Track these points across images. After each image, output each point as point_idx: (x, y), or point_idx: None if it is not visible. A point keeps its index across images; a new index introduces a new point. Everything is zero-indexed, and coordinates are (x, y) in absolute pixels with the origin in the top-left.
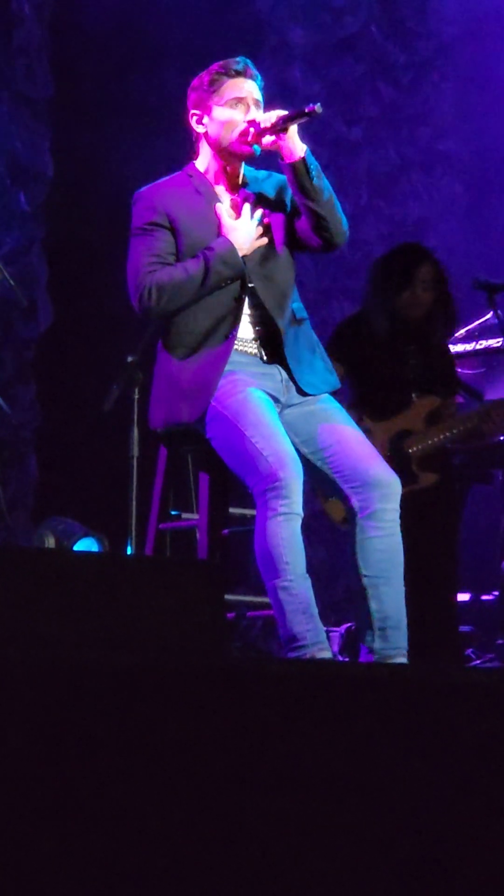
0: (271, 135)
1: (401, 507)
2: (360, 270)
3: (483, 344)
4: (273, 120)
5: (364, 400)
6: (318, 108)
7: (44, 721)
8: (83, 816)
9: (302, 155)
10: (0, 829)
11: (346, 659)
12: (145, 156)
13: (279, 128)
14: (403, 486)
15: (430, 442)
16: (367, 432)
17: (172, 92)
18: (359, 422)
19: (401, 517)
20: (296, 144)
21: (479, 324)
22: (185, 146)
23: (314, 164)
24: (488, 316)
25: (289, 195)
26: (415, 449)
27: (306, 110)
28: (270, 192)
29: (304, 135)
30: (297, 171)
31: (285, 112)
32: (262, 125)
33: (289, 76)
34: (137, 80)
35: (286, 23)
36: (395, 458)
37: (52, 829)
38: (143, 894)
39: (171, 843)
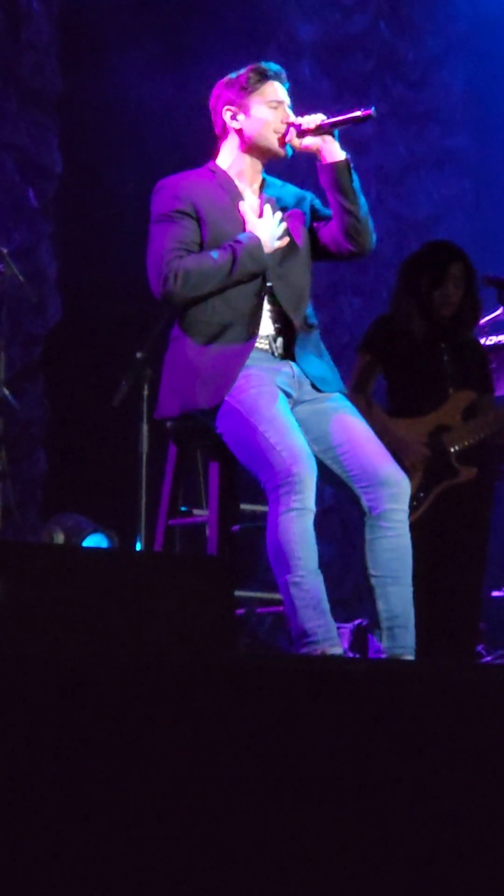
0: (315, 136)
1: (438, 501)
2: (369, 266)
3: (493, 340)
4: (317, 122)
5: (402, 397)
6: (373, 111)
7: (52, 716)
8: (89, 813)
9: (345, 156)
10: (6, 825)
11: (357, 655)
12: (153, 152)
13: (325, 130)
14: (443, 480)
15: (470, 441)
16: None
17: (181, 88)
18: (385, 423)
19: (436, 511)
20: (338, 147)
21: (489, 320)
22: (188, 143)
23: (354, 171)
24: (498, 312)
25: (307, 206)
26: (456, 448)
27: (361, 114)
28: (289, 200)
29: None
30: (340, 172)
31: (324, 116)
32: (304, 126)
33: (298, 73)
34: (146, 76)
35: (295, 19)
36: (435, 452)
37: (57, 825)
38: (150, 891)
39: (179, 840)
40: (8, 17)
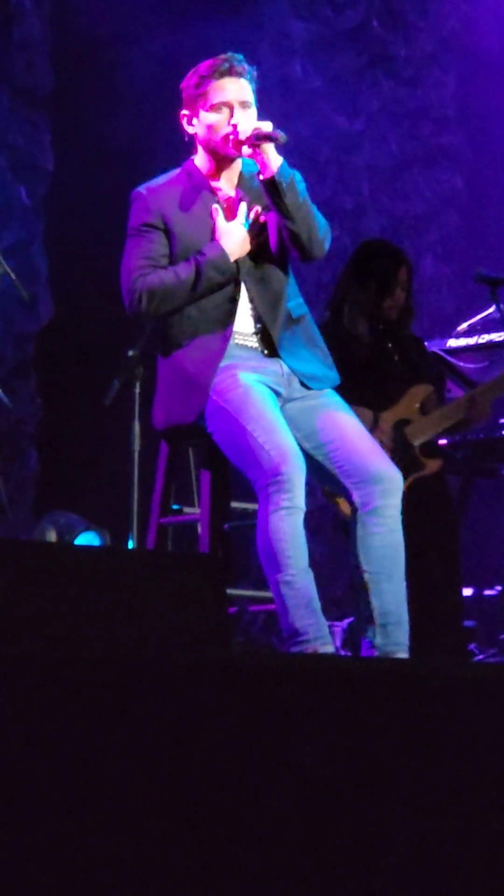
0: (247, 146)
1: (405, 498)
2: None
3: (486, 338)
4: (248, 133)
5: (358, 398)
6: (281, 136)
7: (44, 716)
8: (84, 811)
9: (273, 172)
10: (2, 824)
11: (348, 653)
12: (145, 149)
13: (252, 143)
14: (410, 474)
15: (433, 432)
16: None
17: (174, 86)
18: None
19: (402, 511)
20: (270, 160)
21: (482, 318)
22: (181, 142)
23: (286, 181)
24: (491, 310)
25: None
26: (419, 441)
27: (272, 135)
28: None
29: (306, 127)
30: (268, 189)
31: (267, 126)
32: (240, 136)
33: (289, 70)
34: (138, 73)
35: (287, 16)
36: (399, 447)
37: (51, 824)
38: (144, 890)
39: (172, 839)
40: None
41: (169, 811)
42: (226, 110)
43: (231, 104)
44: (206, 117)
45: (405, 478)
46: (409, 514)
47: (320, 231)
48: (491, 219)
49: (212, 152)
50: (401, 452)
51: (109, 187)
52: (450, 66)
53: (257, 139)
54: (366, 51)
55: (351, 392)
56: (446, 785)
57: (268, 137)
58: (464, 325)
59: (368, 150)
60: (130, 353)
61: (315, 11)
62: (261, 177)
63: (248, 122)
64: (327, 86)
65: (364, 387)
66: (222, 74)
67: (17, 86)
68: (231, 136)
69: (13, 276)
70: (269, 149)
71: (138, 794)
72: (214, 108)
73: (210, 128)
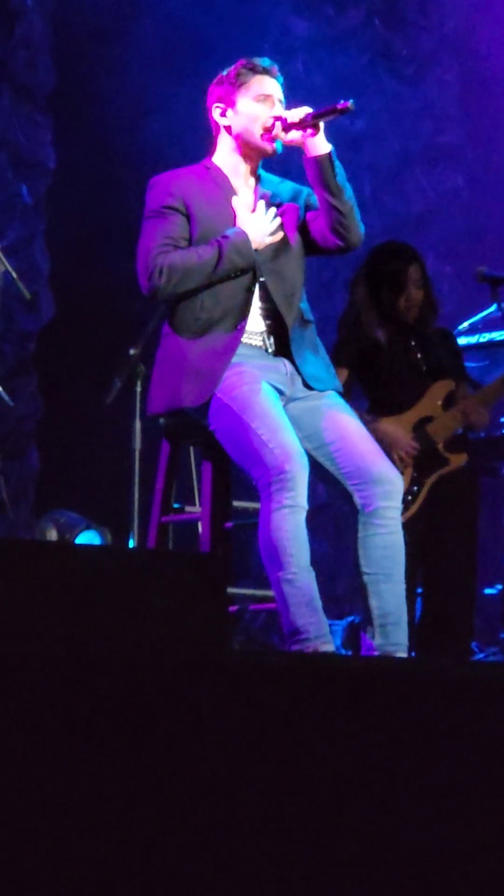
0: (299, 130)
1: (430, 495)
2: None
3: (487, 337)
4: (301, 115)
5: (381, 398)
6: (350, 104)
7: (45, 715)
8: (85, 810)
9: (329, 150)
10: (3, 822)
11: (349, 652)
12: (147, 147)
13: (308, 123)
14: (435, 471)
15: (455, 428)
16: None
17: (176, 84)
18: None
19: (429, 505)
20: (322, 140)
21: (483, 317)
22: (186, 138)
23: (338, 163)
24: (492, 308)
25: (303, 201)
26: (442, 437)
27: (339, 107)
28: (285, 195)
29: None
30: (322, 166)
31: (310, 109)
32: (290, 120)
33: (291, 68)
34: (140, 72)
35: (289, 14)
36: (422, 444)
37: (53, 823)
38: (145, 888)
39: (172, 838)
40: (1, 12)
41: (169, 809)
42: (267, 104)
43: (273, 98)
44: (248, 107)
45: (429, 475)
46: (435, 507)
47: (360, 220)
48: (492, 218)
49: (243, 145)
50: (424, 449)
51: (111, 185)
52: (451, 65)
53: (320, 116)
54: (367, 49)
55: (376, 395)
56: (447, 783)
57: (335, 110)
58: (465, 324)
59: (370, 148)
60: (131, 351)
61: (317, 10)
62: (310, 155)
63: (293, 111)
64: (329, 84)
65: (388, 389)
66: (265, 71)
67: (19, 83)
68: (279, 124)
69: (14, 274)
70: (322, 130)
71: (140, 791)
72: (257, 99)
73: (251, 118)
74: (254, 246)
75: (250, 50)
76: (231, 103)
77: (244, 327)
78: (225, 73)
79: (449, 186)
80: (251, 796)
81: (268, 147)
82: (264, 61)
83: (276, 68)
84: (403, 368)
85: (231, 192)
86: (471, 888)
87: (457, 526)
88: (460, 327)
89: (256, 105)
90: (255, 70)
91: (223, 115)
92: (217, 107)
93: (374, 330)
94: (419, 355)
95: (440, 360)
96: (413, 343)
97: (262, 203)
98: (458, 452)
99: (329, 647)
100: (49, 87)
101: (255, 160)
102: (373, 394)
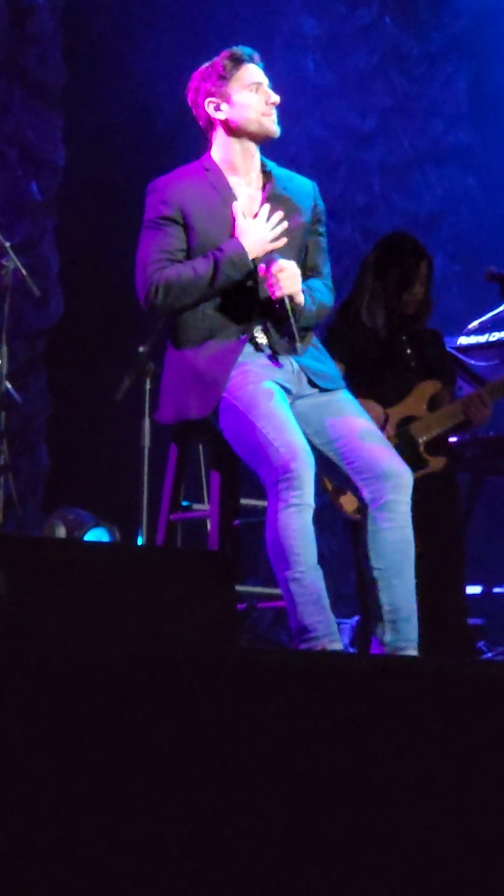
0: (270, 293)
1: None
2: None
3: (496, 336)
4: (278, 294)
5: (366, 391)
6: (299, 307)
7: (53, 710)
8: (90, 807)
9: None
10: (5, 819)
11: (357, 651)
12: (157, 145)
13: (275, 302)
14: (413, 471)
15: (438, 430)
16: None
17: (186, 81)
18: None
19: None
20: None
21: (492, 316)
22: (193, 136)
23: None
24: (501, 308)
25: (311, 206)
26: (424, 438)
27: (298, 307)
28: (294, 197)
29: (318, 124)
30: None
31: (297, 294)
32: (271, 288)
33: (302, 67)
34: (150, 70)
35: (300, 13)
36: (403, 443)
37: (57, 819)
38: (147, 886)
39: (178, 832)
40: (12, 10)
41: (177, 805)
42: (261, 91)
43: (264, 86)
44: (244, 97)
45: None
46: (413, 512)
47: (326, 307)
48: (501, 216)
49: (242, 134)
50: (404, 449)
51: (120, 183)
52: (461, 64)
53: (287, 301)
54: (378, 48)
55: (361, 385)
56: (454, 782)
57: (294, 308)
58: (474, 323)
59: (380, 147)
60: (141, 349)
61: (328, 9)
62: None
63: (295, 284)
64: (340, 83)
65: (374, 380)
66: (250, 59)
67: (29, 81)
68: (268, 287)
69: (24, 271)
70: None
71: (147, 788)
72: (250, 87)
73: (248, 107)
74: (252, 255)
75: (261, 49)
76: (225, 96)
77: (249, 335)
78: (209, 66)
79: (458, 185)
80: (258, 794)
81: (271, 129)
82: (246, 50)
83: (257, 55)
84: (394, 362)
85: (230, 196)
86: (476, 888)
87: (440, 526)
88: (469, 326)
89: (250, 94)
90: (241, 60)
91: (217, 109)
92: (210, 102)
93: (373, 315)
94: (409, 350)
95: (430, 360)
96: (404, 338)
97: (265, 207)
98: (437, 456)
99: (337, 646)
100: (59, 84)
101: (253, 149)
102: (357, 381)
